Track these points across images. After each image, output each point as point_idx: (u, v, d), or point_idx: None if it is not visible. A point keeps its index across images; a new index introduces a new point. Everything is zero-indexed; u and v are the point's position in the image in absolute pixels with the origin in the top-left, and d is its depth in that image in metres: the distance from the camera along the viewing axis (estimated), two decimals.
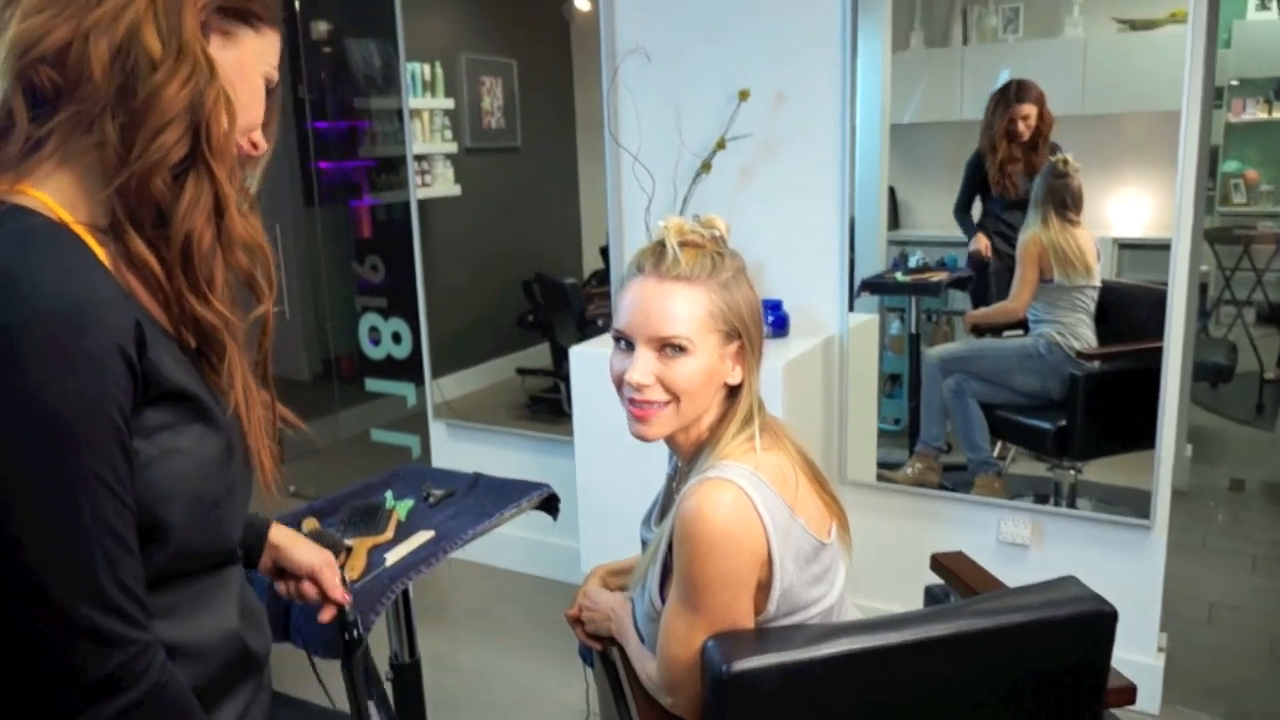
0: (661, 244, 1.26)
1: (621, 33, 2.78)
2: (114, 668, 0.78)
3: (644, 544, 1.46)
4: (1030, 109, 2.62)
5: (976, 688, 1.24)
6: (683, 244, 1.25)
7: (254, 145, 0.94)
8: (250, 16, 0.90)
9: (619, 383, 1.28)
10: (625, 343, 1.27)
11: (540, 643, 2.84)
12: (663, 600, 1.29)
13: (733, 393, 1.30)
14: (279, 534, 1.27)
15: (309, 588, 1.27)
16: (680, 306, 1.23)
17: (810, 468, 1.31)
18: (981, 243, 2.78)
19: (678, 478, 1.39)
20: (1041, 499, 2.67)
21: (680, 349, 1.23)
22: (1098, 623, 1.21)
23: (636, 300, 1.25)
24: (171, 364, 0.83)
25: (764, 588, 1.23)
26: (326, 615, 1.28)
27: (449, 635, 2.91)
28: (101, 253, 0.82)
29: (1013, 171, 2.69)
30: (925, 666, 1.20)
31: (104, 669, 0.77)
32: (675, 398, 1.25)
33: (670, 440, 1.33)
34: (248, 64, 0.90)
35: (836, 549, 1.32)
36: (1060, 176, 2.59)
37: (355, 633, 1.32)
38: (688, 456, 1.33)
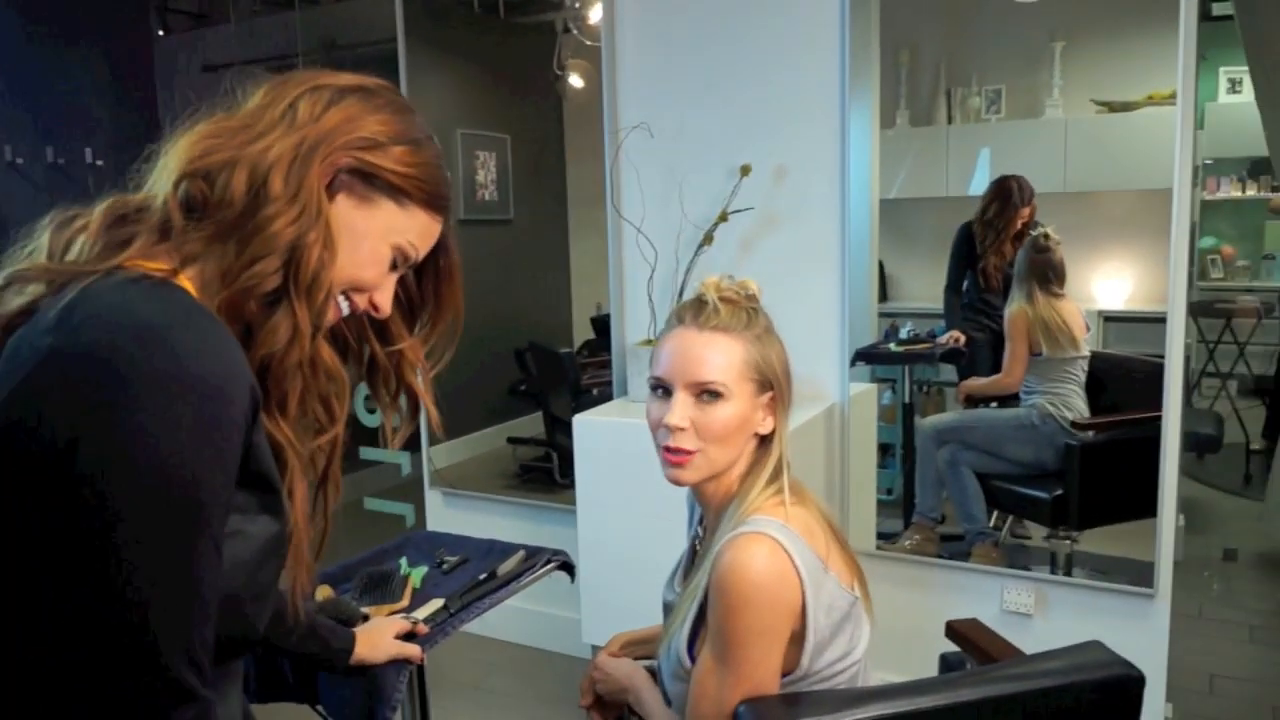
0: (701, 298, 1.33)
1: (624, 108, 2.84)
2: None
3: (666, 606, 1.47)
4: (1030, 209, 2.69)
5: None
6: (721, 299, 1.31)
7: (375, 307, 0.99)
8: (398, 193, 0.95)
9: (655, 428, 1.32)
10: (663, 390, 1.32)
11: (540, 717, 2.79)
12: (691, 659, 1.29)
13: (763, 443, 1.34)
14: (363, 649, 1.46)
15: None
16: (718, 355, 1.29)
17: (833, 527, 1.33)
18: (955, 336, 2.84)
19: (704, 535, 1.41)
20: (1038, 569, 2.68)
21: (716, 395, 1.28)
22: (1126, 687, 1.22)
23: (676, 349, 1.31)
24: (265, 448, 0.87)
25: (797, 641, 1.24)
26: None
27: (445, 709, 2.86)
28: None
29: (999, 262, 2.76)
30: None
31: None
32: (708, 444, 1.29)
33: (700, 491, 1.36)
34: (376, 230, 0.95)
35: (860, 605, 1.33)
36: (1041, 251, 2.65)
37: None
38: (716, 509, 1.35)
